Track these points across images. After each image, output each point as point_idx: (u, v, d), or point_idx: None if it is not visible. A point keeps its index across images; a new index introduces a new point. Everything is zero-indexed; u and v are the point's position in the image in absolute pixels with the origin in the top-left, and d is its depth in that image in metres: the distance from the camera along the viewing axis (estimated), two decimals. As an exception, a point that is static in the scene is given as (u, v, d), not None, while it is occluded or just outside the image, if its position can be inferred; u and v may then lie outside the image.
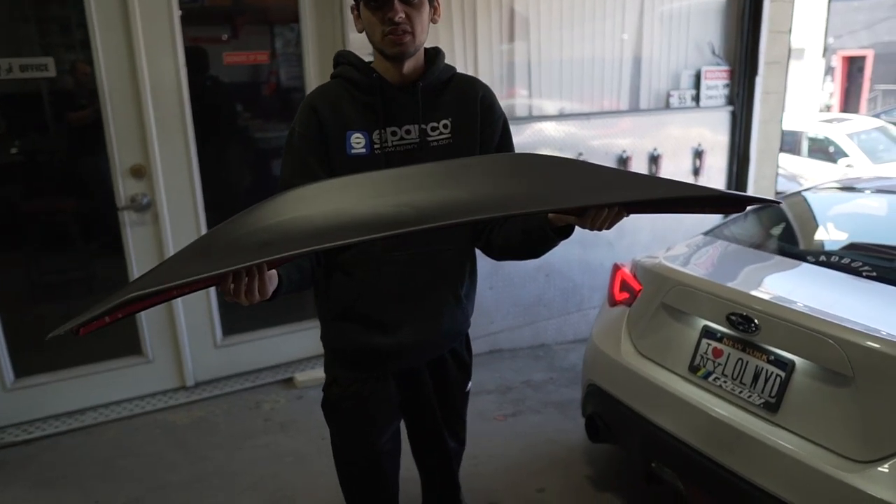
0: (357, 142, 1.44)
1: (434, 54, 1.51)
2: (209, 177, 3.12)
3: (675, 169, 4.21)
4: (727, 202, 1.32)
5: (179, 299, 3.08)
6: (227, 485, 2.63)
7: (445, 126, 1.51)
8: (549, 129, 3.74)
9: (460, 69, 3.37)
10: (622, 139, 4.00)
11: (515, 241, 1.50)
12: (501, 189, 1.17)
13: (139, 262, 3.02)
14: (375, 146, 1.45)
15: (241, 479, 2.66)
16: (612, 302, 2.64)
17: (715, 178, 4.40)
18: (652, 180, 1.27)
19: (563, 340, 4.11)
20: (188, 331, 3.21)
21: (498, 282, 3.83)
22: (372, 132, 1.45)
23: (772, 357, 1.95)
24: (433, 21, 1.45)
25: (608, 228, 1.26)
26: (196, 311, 3.21)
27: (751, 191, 4.45)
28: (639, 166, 4.07)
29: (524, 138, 3.67)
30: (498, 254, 1.59)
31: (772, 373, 1.94)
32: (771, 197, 1.41)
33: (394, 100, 1.46)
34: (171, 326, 3.17)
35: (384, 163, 1.44)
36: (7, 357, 2.91)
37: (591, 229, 1.26)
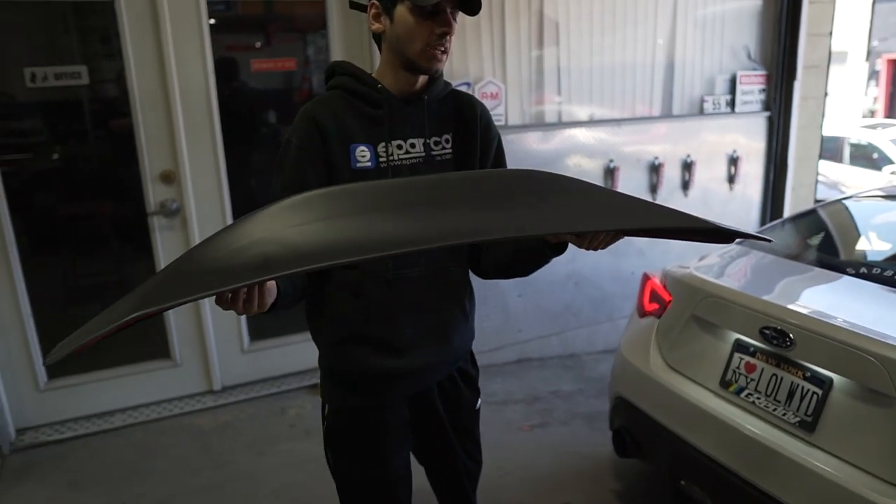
0: (362, 155, 1.39)
1: None
2: (237, 183, 3.14)
3: (709, 176, 4.11)
4: (718, 234, 1.28)
5: (207, 305, 3.12)
6: (250, 490, 2.64)
7: (447, 141, 1.47)
8: (579, 135, 3.68)
9: (488, 75, 3.42)
10: (654, 146, 3.92)
11: (506, 260, 1.47)
12: (503, 209, 1.14)
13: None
14: (381, 160, 1.39)
15: (264, 484, 2.66)
16: (642, 312, 2.58)
17: (751, 185, 4.29)
18: (648, 207, 1.24)
19: (593, 350, 4.03)
20: (216, 336, 3.23)
21: (526, 289, 3.78)
22: (377, 145, 1.39)
23: (808, 374, 1.87)
24: None
25: (603, 248, 1.26)
26: (224, 316, 3.23)
27: (788, 198, 4.32)
28: (671, 173, 3.99)
29: (553, 145, 3.62)
30: (485, 272, 1.55)
31: (808, 390, 1.86)
32: (763, 235, 1.32)
33: (399, 112, 1.41)
34: (199, 331, 3.20)
35: (391, 177, 1.39)
36: (40, 358, 2.96)
37: (587, 249, 1.26)
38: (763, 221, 4.36)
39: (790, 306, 1.97)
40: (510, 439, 3.01)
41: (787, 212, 4.28)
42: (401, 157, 1.41)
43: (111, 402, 3.12)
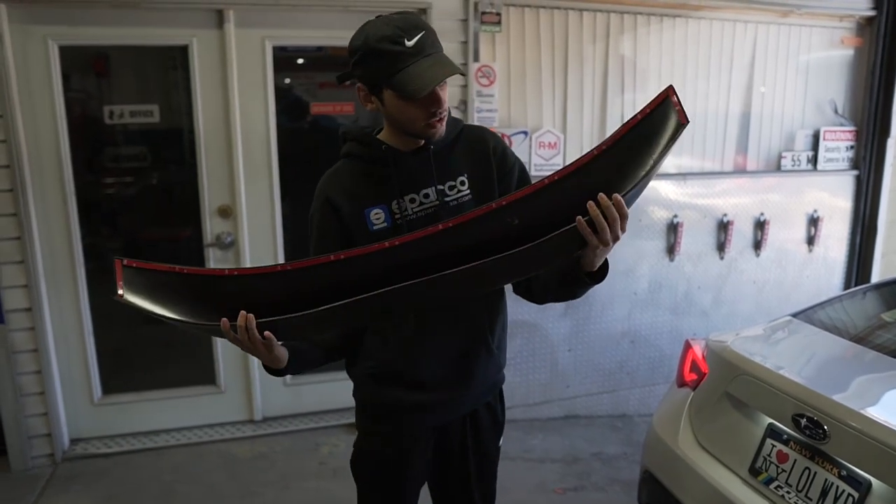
0: (377, 217, 1.44)
1: None
2: (290, 220, 3.25)
3: (785, 236, 3.85)
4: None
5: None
6: (270, 526, 2.66)
7: (463, 183, 1.48)
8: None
9: (547, 124, 3.37)
10: (724, 201, 3.72)
11: (554, 285, 1.45)
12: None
13: (220, 296, 3.18)
14: (396, 217, 1.44)
15: (284, 521, 2.68)
16: (680, 382, 2.42)
17: (833, 247, 3.98)
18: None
19: (647, 412, 3.81)
20: (260, 366, 3.30)
21: (577, 344, 3.65)
22: (391, 203, 1.44)
23: (844, 472, 1.69)
24: None
25: (622, 231, 1.23)
26: (269, 347, 3.31)
27: (877, 265, 3.97)
28: (742, 232, 3.77)
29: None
30: (540, 298, 1.55)
31: (843, 491, 1.67)
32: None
33: (408, 167, 1.44)
34: (244, 361, 3.30)
35: (407, 232, 1.41)
36: (97, 374, 3.15)
37: (607, 245, 1.23)
38: (847, 287, 4.02)
39: (827, 394, 1.78)
40: (539, 501, 2.89)
41: (875, 279, 3.93)
42: (415, 210, 1.45)
43: (157, 422, 3.26)
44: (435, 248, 1.28)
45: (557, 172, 1.30)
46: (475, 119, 3.23)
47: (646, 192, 3.84)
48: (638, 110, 1.26)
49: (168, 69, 3.13)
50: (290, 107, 3.23)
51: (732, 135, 3.76)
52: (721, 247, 3.75)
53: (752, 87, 3.74)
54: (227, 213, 3.14)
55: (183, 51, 2.98)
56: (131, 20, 2.87)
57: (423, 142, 1.43)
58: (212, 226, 3.14)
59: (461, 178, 1.47)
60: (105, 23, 2.86)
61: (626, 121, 1.27)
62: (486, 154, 1.50)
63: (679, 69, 3.58)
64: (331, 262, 1.30)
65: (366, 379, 1.57)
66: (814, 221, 3.89)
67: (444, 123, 1.39)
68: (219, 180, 3.11)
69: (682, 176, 3.63)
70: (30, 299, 2.91)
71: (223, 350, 3.26)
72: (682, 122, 1.21)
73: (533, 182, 1.52)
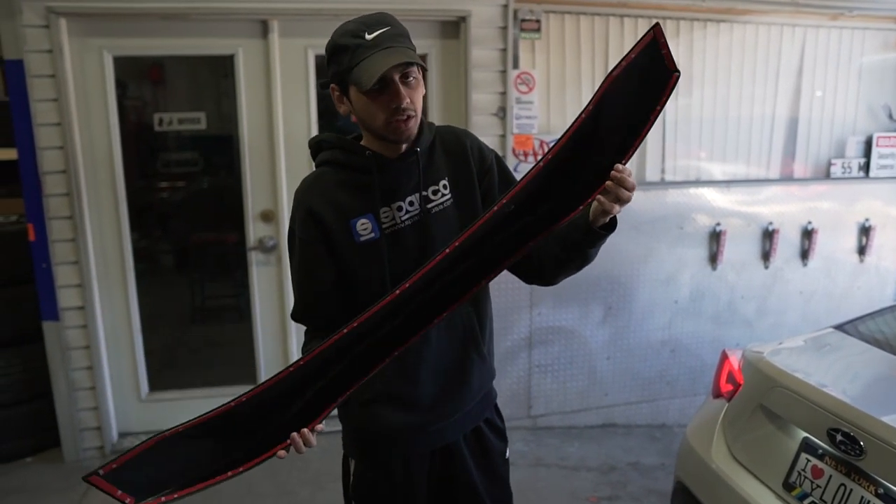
0: (363, 228, 1.39)
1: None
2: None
3: (835, 246, 3.73)
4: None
5: (294, 337, 3.29)
6: (304, 524, 2.71)
7: (445, 186, 1.44)
8: (683, 196, 3.49)
9: (586, 129, 3.33)
10: (769, 210, 3.63)
11: (562, 256, 1.38)
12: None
13: (262, 298, 3.29)
14: (384, 226, 1.40)
15: (318, 520, 2.73)
16: (716, 393, 2.38)
17: (886, 257, 3.83)
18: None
19: (686, 423, 3.70)
20: (300, 367, 3.39)
21: (616, 352, 3.61)
22: (377, 212, 1.40)
23: (881, 490, 1.63)
24: None
25: (630, 191, 1.24)
26: (308, 348, 3.39)
27: (934, 277, 3.81)
28: (788, 240, 3.66)
29: (653, 206, 3.46)
30: (552, 278, 1.48)
31: (880, 509, 1.62)
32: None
33: (392, 173, 1.40)
34: (284, 359, 3.38)
35: (395, 241, 1.39)
36: (145, 372, 3.27)
37: (622, 201, 1.24)
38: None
39: (864, 409, 1.73)
40: (573, 510, 2.87)
41: (932, 291, 3.78)
42: (402, 218, 1.41)
43: (200, 419, 3.36)
44: (439, 269, 1.28)
45: (550, 151, 1.28)
46: (514, 126, 3.24)
47: (688, 199, 3.76)
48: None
49: (219, 77, 3.24)
50: (331, 113, 3.31)
51: (779, 141, 3.67)
52: (766, 256, 3.65)
53: (801, 92, 3.64)
54: (269, 217, 3.23)
55: (229, 60, 3.08)
56: (181, 31, 2.99)
57: (404, 147, 1.38)
58: (255, 230, 3.23)
59: (443, 182, 1.44)
60: (156, 34, 2.98)
61: (609, 71, 1.22)
62: (464, 154, 1.47)
63: (724, 74, 3.52)
64: (343, 334, 1.31)
65: (362, 405, 1.49)
66: (865, 230, 3.76)
67: (412, 125, 1.33)
68: (262, 185, 3.20)
69: (725, 183, 3.56)
70: (83, 298, 3.05)
71: (264, 350, 3.35)
72: (671, 68, 1.16)
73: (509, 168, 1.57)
